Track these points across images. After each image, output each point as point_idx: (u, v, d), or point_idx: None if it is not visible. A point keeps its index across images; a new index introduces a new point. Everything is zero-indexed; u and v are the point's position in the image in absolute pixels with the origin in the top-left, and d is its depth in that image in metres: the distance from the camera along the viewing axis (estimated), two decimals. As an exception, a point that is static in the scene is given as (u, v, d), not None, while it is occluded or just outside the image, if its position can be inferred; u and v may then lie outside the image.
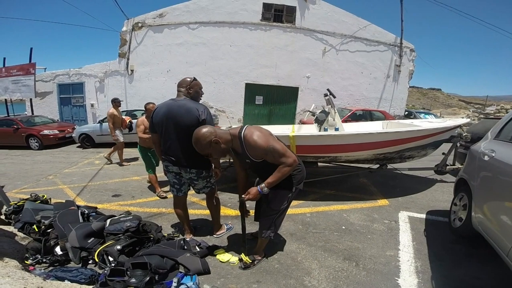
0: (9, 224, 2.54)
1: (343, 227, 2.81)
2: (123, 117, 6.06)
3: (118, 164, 5.90)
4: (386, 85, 11.53)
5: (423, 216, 3.10)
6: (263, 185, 1.78)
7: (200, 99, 2.24)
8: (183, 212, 2.45)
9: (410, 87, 12.35)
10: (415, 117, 12.10)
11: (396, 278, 1.98)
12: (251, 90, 10.99)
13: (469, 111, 26.13)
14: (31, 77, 10.16)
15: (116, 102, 5.87)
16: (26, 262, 1.97)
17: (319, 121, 3.96)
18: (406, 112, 12.50)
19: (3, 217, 2.65)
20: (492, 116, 12.88)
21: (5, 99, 10.82)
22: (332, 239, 2.56)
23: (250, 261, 2.10)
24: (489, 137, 2.63)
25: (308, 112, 4.32)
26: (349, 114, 8.53)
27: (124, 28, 10.52)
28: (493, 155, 2.19)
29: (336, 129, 3.89)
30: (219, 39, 10.56)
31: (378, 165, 3.88)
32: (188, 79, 2.16)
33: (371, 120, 8.70)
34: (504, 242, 1.73)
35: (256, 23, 10.54)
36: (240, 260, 2.13)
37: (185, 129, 2.01)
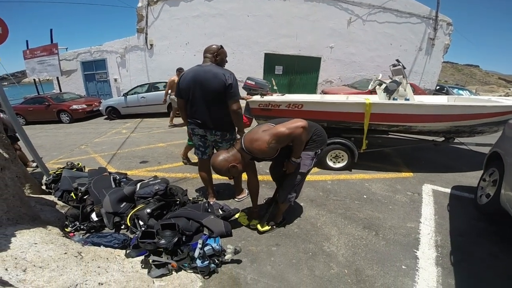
0: (50, 193, 2.68)
1: (365, 196, 2.79)
2: None
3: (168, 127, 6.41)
4: (418, 58, 10.74)
5: (448, 190, 2.97)
6: (293, 159, 1.86)
7: (224, 66, 2.26)
8: (208, 176, 2.52)
9: (444, 62, 11.35)
10: (447, 92, 11.25)
11: (415, 250, 1.97)
12: (271, 60, 10.70)
13: (509, 89, 23.81)
14: (55, 57, 10.61)
15: (180, 71, 6.08)
16: (66, 229, 2.10)
17: (389, 91, 3.90)
18: (438, 87, 11.63)
19: (44, 187, 2.82)
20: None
21: (34, 79, 11.48)
22: (353, 207, 2.57)
23: (269, 228, 2.18)
24: None
25: (377, 81, 4.22)
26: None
27: (139, 4, 10.44)
28: None
29: (407, 100, 3.80)
30: (236, 10, 10.16)
31: (443, 138, 3.74)
32: (215, 46, 2.17)
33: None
34: None
35: None
36: (262, 233, 2.18)
37: (212, 93, 2.07)
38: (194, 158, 3.49)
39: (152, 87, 8.78)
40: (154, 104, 8.39)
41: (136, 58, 11.06)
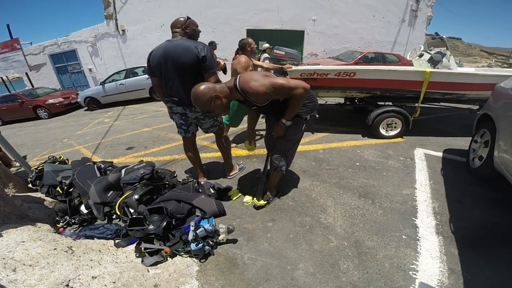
0: (36, 191, 2.60)
1: (357, 164, 2.76)
2: (218, 59, 5.93)
3: None
4: (401, 29, 10.63)
5: (440, 154, 2.97)
6: (284, 120, 1.75)
7: (198, 37, 2.10)
8: (194, 155, 2.42)
9: (427, 34, 11.28)
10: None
11: (414, 219, 1.94)
12: (254, 35, 10.16)
13: (491, 60, 24.35)
14: (18, 52, 9.88)
15: (213, 45, 5.71)
16: (57, 225, 2.03)
17: (434, 62, 3.93)
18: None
19: (30, 185, 2.72)
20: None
21: (1, 78, 10.71)
22: (347, 176, 2.53)
23: (265, 202, 2.12)
24: None
25: (421, 51, 4.24)
26: (360, 56, 7.96)
27: None
28: None
29: (450, 69, 3.83)
30: (215, -15, 9.54)
31: (478, 106, 3.78)
32: (182, 19, 2.02)
33: (384, 62, 8.14)
34: None
35: None
36: (258, 208, 2.13)
37: (185, 68, 1.94)
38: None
39: (130, 73, 8.34)
40: (135, 90, 8.03)
41: (109, 45, 10.39)
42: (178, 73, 1.97)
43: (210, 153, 3.25)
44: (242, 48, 3.02)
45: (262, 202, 2.11)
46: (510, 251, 1.62)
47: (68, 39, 10.55)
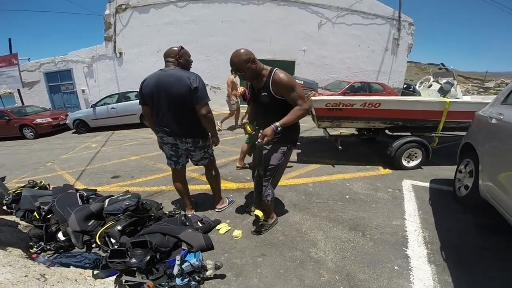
0: (11, 214, 2.51)
1: (347, 197, 2.77)
2: (239, 86, 6.04)
3: (231, 129, 6.19)
4: (385, 58, 11.30)
5: (427, 184, 3.04)
6: (277, 123, 1.80)
7: (191, 67, 2.14)
8: (183, 187, 2.38)
9: (408, 61, 12.07)
10: (414, 90, 11.93)
11: (405, 249, 1.93)
12: None
13: (468, 85, 25.92)
14: (14, 67, 9.89)
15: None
16: (31, 250, 1.94)
17: (444, 91, 4.13)
18: (405, 85, 12.30)
19: (5, 207, 2.61)
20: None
21: None
22: (337, 209, 2.53)
23: (265, 219, 2.13)
24: (496, 102, 2.53)
25: (431, 81, 4.43)
26: (347, 86, 8.34)
27: (107, 12, 10.03)
28: (502, 117, 2.12)
29: (457, 99, 3.99)
30: (210, 16, 10.04)
31: None
32: (176, 48, 2.04)
33: (370, 91, 8.53)
34: None
35: None
36: (255, 220, 2.08)
37: (177, 98, 1.95)
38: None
39: (123, 97, 8.34)
40: (126, 115, 7.97)
41: (105, 67, 10.52)
42: (170, 103, 1.97)
43: (199, 185, 3.18)
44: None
45: (260, 212, 2.06)
46: (503, 274, 1.65)
47: (65, 58, 10.64)
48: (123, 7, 9.95)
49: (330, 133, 4.12)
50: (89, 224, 2.09)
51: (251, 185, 2.92)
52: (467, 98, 4.82)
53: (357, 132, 4.43)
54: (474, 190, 2.27)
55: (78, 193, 2.50)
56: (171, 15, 10.04)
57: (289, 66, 10.83)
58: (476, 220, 2.28)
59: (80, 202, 2.38)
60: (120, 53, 10.32)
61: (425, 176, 3.31)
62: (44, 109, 9.80)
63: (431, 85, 4.36)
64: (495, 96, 5.46)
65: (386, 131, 3.93)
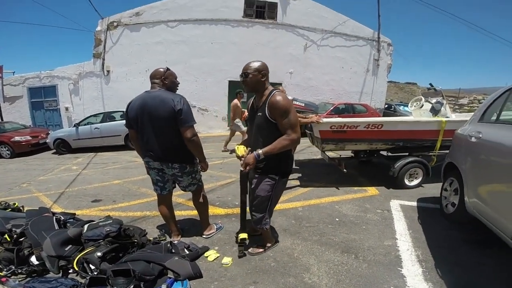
0: None
1: (337, 219, 2.75)
2: (243, 110, 6.11)
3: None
4: (366, 79, 11.77)
5: (415, 204, 3.08)
6: (260, 151, 1.74)
7: (177, 89, 2.11)
8: (169, 212, 2.28)
9: (388, 81, 12.70)
10: (395, 110, 12.49)
11: (399, 269, 1.91)
12: (235, 87, 10.70)
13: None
14: None
15: (240, 94, 6.18)
16: (0, 274, 1.81)
17: (435, 111, 4.22)
18: (386, 105, 12.83)
19: None
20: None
21: None
22: (327, 232, 2.48)
23: (247, 239, 2.07)
24: (473, 120, 2.64)
25: (421, 102, 4.54)
26: (331, 108, 8.58)
27: (98, 28, 10.01)
28: (480, 136, 2.21)
29: (447, 117, 4.05)
30: (200, 37, 10.30)
31: None
32: (162, 69, 2.02)
33: (354, 113, 8.80)
34: (505, 224, 1.69)
35: (238, 20, 10.38)
36: (242, 241, 2.05)
37: (161, 121, 1.91)
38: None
39: (108, 117, 8.06)
40: (110, 136, 7.64)
41: (91, 85, 10.35)
42: (155, 126, 1.93)
43: (185, 211, 3.06)
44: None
45: (245, 235, 2.04)
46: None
47: (51, 73, 10.36)
48: (115, 24, 10.02)
49: (330, 157, 4.14)
50: (66, 249, 1.97)
51: (239, 210, 2.89)
52: (454, 117, 5.00)
53: (353, 155, 4.49)
54: (461, 207, 2.34)
55: (54, 217, 2.37)
56: (161, 34, 10.21)
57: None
58: (467, 235, 2.32)
59: (56, 226, 2.25)
60: (108, 71, 10.21)
61: (412, 195, 3.36)
62: (24, 126, 9.35)
63: (422, 106, 4.51)
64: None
65: (382, 152, 4.02)
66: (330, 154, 4.36)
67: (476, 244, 2.18)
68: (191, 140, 1.94)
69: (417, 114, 4.52)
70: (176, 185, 2.26)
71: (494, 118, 2.36)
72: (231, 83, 10.67)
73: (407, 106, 13.46)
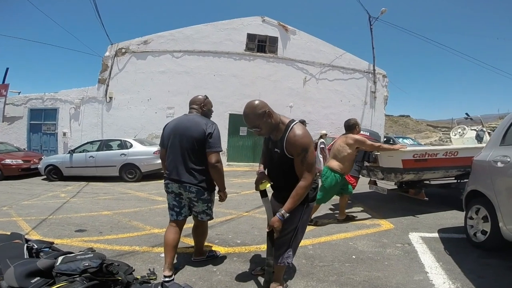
0: None
1: (353, 256, 2.40)
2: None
3: None
4: (364, 112, 11.67)
5: (436, 235, 2.89)
6: (282, 211, 1.58)
7: (211, 116, 2.26)
8: (175, 240, 2.06)
9: (386, 115, 12.68)
10: (394, 143, 12.47)
11: None
12: (235, 120, 10.54)
13: (440, 133, 27.59)
14: (1, 99, 9.31)
15: (304, 123, 5.95)
16: None
17: (480, 138, 4.37)
18: (385, 138, 12.80)
19: None
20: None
21: None
22: (345, 271, 2.13)
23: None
24: (492, 145, 2.57)
25: (465, 131, 4.77)
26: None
27: (107, 53, 10.20)
28: (509, 160, 2.14)
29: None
30: (203, 68, 10.55)
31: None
32: (201, 97, 2.20)
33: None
34: None
35: (241, 53, 10.74)
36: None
37: (189, 142, 1.97)
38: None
39: (105, 145, 7.70)
40: (105, 166, 7.21)
41: (92, 111, 10.28)
42: (183, 146, 1.98)
43: (180, 248, 2.71)
44: (352, 128, 3.27)
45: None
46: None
47: (55, 95, 10.30)
48: (123, 50, 10.22)
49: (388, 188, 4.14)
50: (32, 281, 1.65)
51: (241, 249, 2.61)
52: None
53: (396, 186, 4.43)
54: (494, 234, 2.25)
55: (26, 245, 2.09)
56: (166, 64, 10.43)
57: None
58: (506, 262, 2.18)
59: (26, 255, 1.97)
60: (111, 98, 10.20)
61: (430, 227, 3.16)
62: (18, 149, 9.01)
63: (462, 134, 4.74)
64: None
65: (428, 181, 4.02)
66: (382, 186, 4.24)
67: None
68: (215, 165, 1.96)
69: (459, 142, 4.62)
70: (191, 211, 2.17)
71: None
72: (232, 116, 10.50)
73: (406, 138, 13.58)
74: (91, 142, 8.01)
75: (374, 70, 11.58)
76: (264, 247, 2.54)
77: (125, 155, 7.10)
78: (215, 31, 10.65)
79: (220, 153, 2.08)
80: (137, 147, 7.26)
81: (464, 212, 2.79)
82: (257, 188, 1.81)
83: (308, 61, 11.15)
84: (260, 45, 10.98)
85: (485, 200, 2.37)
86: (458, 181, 4.17)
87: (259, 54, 10.90)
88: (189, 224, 2.33)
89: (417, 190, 3.82)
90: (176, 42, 10.48)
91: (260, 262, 2.25)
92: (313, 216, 3.25)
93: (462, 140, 4.63)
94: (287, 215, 1.56)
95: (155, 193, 5.41)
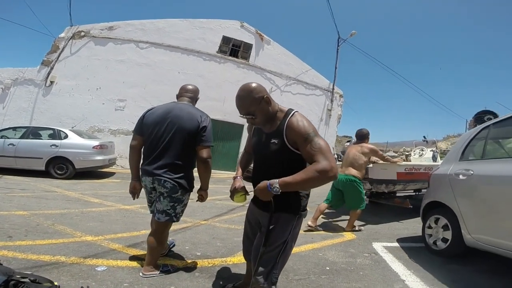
0: None
1: (327, 268, 2.26)
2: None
3: None
4: (320, 128, 12.05)
5: (397, 244, 3.00)
6: (276, 180, 1.18)
7: None
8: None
9: (342, 136, 13.49)
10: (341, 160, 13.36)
11: None
12: None
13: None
14: None
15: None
16: None
17: (435, 157, 5.11)
18: (335, 155, 13.60)
19: None
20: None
21: None
22: (324, 284, 1.96)
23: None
24: (451, 161, 2.74)
25: (424, 152, 5.51)
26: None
27: (62, 35, 8.99)
28: (472, 173, 2.28)
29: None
30: (167, 63, 9.84)
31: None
32: (193, 86, 2.08)
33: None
34: None
35: (212, 54, 10.37)
36: None
37: (181, 133, 1.80)
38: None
39: (31, 133, 6.28)
40: (27, 157, 5.87)
41: (24, 94, 8.58)
42: (171, 137, 1.80)
43: (122, 261, 2.22)
44: (365, 137, 3.49)
45: None
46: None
47: None
48: (82, 34, 9.11)
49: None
50: None
51: (203, 263, 2.21)
52: None
53: (372, 197, 4.74)
54: (456, 241, 2.39)
55: None
56: (127, 53, 9.50)
57: (237, 130, 10.58)
58: (471, 267, 2.34)
59: None
60: (52, 82, 8.72)
61: (389, 237, 3.28)
62: None
63: (422, 154, 5.48)
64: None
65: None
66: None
67: (490, 272, 2.23)
68: (206, 161, 1.82)
69: (418, 161, 5.24)
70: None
71: (479, 155, 2.47)
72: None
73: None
74: (15, 128, 6.48)
75: (333, 89, 12.31)
76: (231, 260, 2.27)
77: (57, 146, 5.88)
78: (190, 27, 10.19)
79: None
80: (73, 139, 6.08)
81: (422, 223, 2.93)
82: (232, 199, 1.47)
83: (276, 72, 11.33)
84: (234, 49, 10.82)
85: (446, 210, 2.51)
86: (416, 193, 5.02)
87: (231, 58, 10.71)
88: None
89: (402, 199, 4.36)
90: (144, 33, 9.70)
91: (230, 278, 1.93)
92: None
93: (421, 159, 5.25)
94: (277, 188, 1.17)
95: (90, 194, 4.51)
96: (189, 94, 1.99)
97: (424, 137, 6.27)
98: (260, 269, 1.31)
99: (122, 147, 8.79)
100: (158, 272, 1.87)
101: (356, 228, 3.43)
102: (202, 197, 1.99)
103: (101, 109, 9.03)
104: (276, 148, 1.32)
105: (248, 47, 10.98)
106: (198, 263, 2.17)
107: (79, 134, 6.49)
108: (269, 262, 1.32)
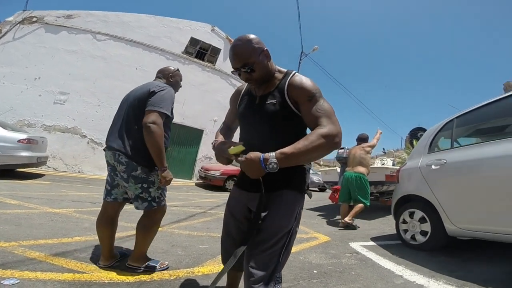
0: None
1: (315, 271, 2.09)
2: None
3: None
4: None
5: (373, 243, 2.98)
6: (272, 154, 0.94)
7: (177, 90, 1.97)
8: (105, 230, 1.73)
9: None
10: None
11: None
12: None
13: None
14: None
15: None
16: None
17: (394, 165, 5.96)
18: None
19: None
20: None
21: None
22: (319, 290, 1.76)
23: None
24: (420, 154, 2.82)
25: (386, 161, 6.65)
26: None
27: (10, 18, 7.93)
28: (445, 161, 2.34)
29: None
30: (125, 58, 9.01)
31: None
32: (172, 68, 1.99)
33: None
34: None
35: (177, 54, 9.86)
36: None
37: (132, 102, 1.71)
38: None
39: None
40: None
41: None
42: (126, 109, 1.74)
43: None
44: (366, 140, 4.16)
45: None
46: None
47: None
48: (34, 19, 8.02)
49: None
50: None
51: (163, 275, 1.79)
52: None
53: None
54: (437, 232, 2.38)
55: None
56: (81, 44, 8.46)
57: (197, 135, 10.13)
58: (462, 256, 2.38)
59: None
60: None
61: (362, 237, 3.30)
62: None
63: (383, 163, 6.38)
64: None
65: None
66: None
67: (486, 260, 2.31)
68: (147, 126, 1.54)
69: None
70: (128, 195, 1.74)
71: (448, 145, 2.58)
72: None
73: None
74: None
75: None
76: (199, 270, 1.88)
77: None
78: (157, 25, 9.64)
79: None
80: None
81: (395, 220, 2.98)
82: (224, 157, 1.14)
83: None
84: (201, 52, 10.53)
85: (420, 202, 2.53)
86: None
87: (197, 60, 10.36)
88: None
89: (386, 199, 4.93)
90: (106, 25, 8.85)
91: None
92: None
93: (384, 166, 6.10)
94: (274, 164, 0.93)
95: (7, 195, 3.65)
96: (160, 74, 1.94)
97: (384, 148, 7.49)
98: (257, 273, 0.99)
99: (56, 146, 7.70)
100: (142, 266, 1.73)
101: (353, 223, 3.68)
102: (162, 178, 1.65)
103: (36, 101, 7.78)
104: (273, 109, 1.09)
105: (216, 51, 10.81)
106: (156, 275, 1.73)
107: (3, 126, 5.27)
108: (270, 263, 1.01)
